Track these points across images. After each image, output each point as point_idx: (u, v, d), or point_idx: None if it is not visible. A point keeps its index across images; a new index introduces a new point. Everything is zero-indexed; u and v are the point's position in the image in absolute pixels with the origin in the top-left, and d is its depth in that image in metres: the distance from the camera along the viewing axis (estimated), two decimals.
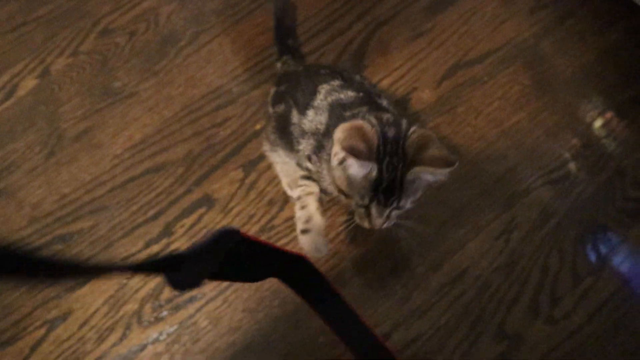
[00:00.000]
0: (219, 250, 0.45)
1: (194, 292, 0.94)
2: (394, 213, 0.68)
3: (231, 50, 1.10)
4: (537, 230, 0.99)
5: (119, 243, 0.97)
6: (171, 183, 1.00)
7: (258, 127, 1.03)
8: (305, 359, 0.89)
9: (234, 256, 0.47)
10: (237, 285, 0.94)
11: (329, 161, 0.65)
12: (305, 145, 0.74)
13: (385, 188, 0.63)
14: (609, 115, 1.06)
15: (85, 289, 0.95)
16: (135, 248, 0.97)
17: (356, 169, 0.61)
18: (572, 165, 1.03)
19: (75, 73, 1.10)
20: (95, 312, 0.94)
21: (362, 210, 0.68)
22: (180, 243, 0.97)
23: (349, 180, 0.64)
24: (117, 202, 1.00)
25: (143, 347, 0.91)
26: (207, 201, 0.99)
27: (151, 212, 0.99)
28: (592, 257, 0.98)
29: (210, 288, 0.94)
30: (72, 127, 1.06)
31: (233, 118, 1.04)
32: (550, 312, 0.94)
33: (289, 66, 0.96)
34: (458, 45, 1.09)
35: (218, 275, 0.47)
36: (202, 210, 0.98)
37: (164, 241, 0.97)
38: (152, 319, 0.93)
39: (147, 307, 0.94)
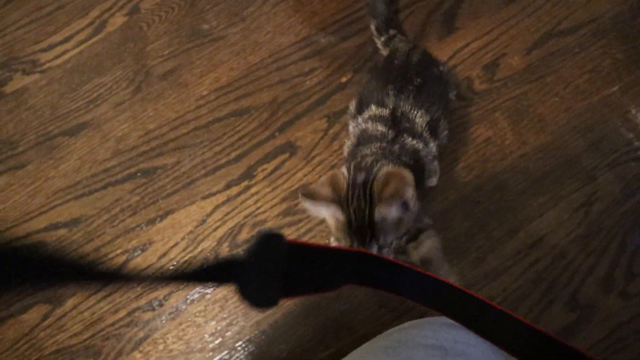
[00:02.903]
0: (273, 259, 0.42)
1: None
2: (385, 250, 0.68)
3: (320, 1, 1.09)
4: (619, 205, 0.97)
5: (201, 181, 0.99)
6: (255, 127, 1.01)
7: (344, 79, 1.03)
8: (380, 309, 0.91)
9: (295, 265, 0.43)
10: (316, 230, 0.95)
11: None
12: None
13: (356, 231, 0.65)
14: None
15: (166, 222, 0.98)
16: (216, 188, 0.99)
17: (322, 212, 0.66)
18: None
19: (164, 12, 1.11)
20: (174, 245, 0.96)
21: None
22: (260, 187, 0.98)
23: (335, 226, 0.68)
24: (200, 141, 1.01)
25: (218, 284, 0.93)
26: (290, 147, 1.00)
27: (234, 154, 1.00)
28: None
29: (288, 232, 0.96)
30: (159, 65, 1.07)
31: (319, 69, 1.04)
32: (624, 287, 0.94)
33: (396, 45, 0.94)
34: (551, 13, 1.07)
35: (291, 290, 0.43)
36: (284, 156, 0.99)
37: (245, 183, 0.98)
38: None
39: (225, 246, 0.96)
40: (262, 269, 0.41)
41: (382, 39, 0.96)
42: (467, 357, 0.51)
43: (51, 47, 1.10)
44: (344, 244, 0.68)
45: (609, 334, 0.91)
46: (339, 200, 0.64)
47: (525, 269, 0.94)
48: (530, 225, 0.96)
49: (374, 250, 0.66)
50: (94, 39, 1.11)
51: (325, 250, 0.50)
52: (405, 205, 0.66)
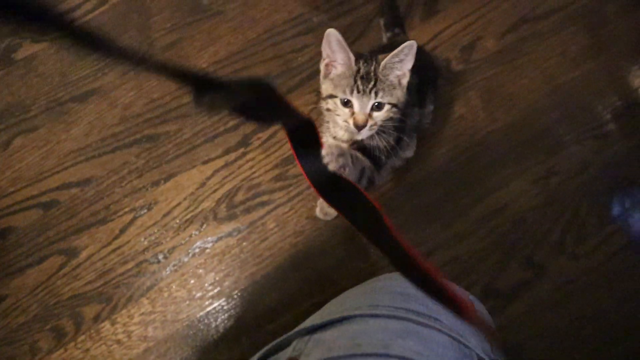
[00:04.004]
0: (252, 94, 0.43)
1: (265, 198, 1.06)
2: (375, 114, 0.74)
3: None
4: (573, 178, 1.10)
5: (201, 147, 1.09)
6: None
7: None
8: (360, 264, 1.03)
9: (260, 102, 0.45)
10: (304, 194, 1.06)
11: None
12: None
13: (363, 76, 0.72)
14: None
15: (169, 184, 1.08)
16: (215, 154, 1.09)
17: (337, 55, 0.73)
18: (612, 125, 1.13)
19: None
20: (177, 205, 1.07)
21: (346, 110, 0.74)
22: (255, 154, 1.08)
23: (335, 81, 0.74)
24: (200, 111, 1.10)
25: (217, 240, 1.05)
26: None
27: (231, 123, 1.09)
28: (618, 208, 1.10)
29: (279, 195, 1.06)
30: (162, 38, 1.14)
31: (311, 46, 1.12)
32: (574, 249, 1.07)
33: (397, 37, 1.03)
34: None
35: (236, 108, 0.44)
36: (277, 126, 1.09)
37: (241, 150, 1.08)
38: (226, 217, 1.06)
39: (223, 207, 1.07)
40: (232, 90, 0.41)
41: (388, 34, 1.05)
42: (423, 301, 0.62)
43: (59, 15, 1.16)
44: (339, 100, 0.74)
45: (558, 289, 1.05)
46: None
47: (488, 232, 1.07)
48: (495, 195, 1.08)
49: (370, 106, 0.73)
50: (100, 9, 1.17)
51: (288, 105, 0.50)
52: (403, 76, 0.75)
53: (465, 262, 1.06)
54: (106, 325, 1.00)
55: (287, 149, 1.08)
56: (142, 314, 1.01)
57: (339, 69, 0.75)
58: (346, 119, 0.74)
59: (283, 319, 1.00)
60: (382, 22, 1.08)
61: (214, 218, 1.06)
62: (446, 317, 0.61)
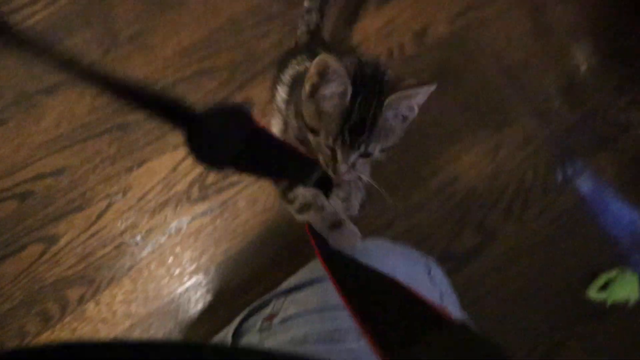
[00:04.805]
0: (234, 130, 0.43)
1: (235, 179, 1.13)
2: (360, 161, 0.66)
3: None
4: (519, 150, 1.20)
5: (171, 134, 1.14)
6: (216, 86, 1.15)
7: (294, 42, 1.17)
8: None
9: (251, 145, 0.44)
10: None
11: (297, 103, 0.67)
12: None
13: (354, 126, 0.60)
14: (594, 60, 1.25)
15: (142, 170, 1.13)
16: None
17: (330, 87, 0.60)
18: (556, 101, 1.23)
19: None
20: (150, 189, 1.12)
21: (328, 153, 0.65)
22: None
23: (320, 112, 0.62)
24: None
25: (191, 220, 1.11)
26: (248, 103, 1.15)
27: (200, 109, 1.14)
28: (560, 176, 1.21)
29: (248, 175, 1.13)
30: (125, 29, 1.17)
31: (272, 32, 1.17)
32: (520, 215, 1.18)
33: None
34: None
35: (238, 163, 0.45)
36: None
37: None
38: (199, 198, 1.12)
39: (195, 189, 1.12)
40: (219, 132, 0.42)
41: (306, 26, 1.01)
42: (379, 260, 0.71)
43: (21, 7, 1.17)
44: (321, 139, 0.64)
45: (505, 252, 1.17)
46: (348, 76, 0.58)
47: (443, 202, 1.17)
48: (449, 167, 1.18)
49: (354, 157, 0.64)
50: (62, 1, 1.18)
51: (282, 144, 0.52)
52: (410, 111, 0.63)
53: (424, 230, 1.16)
54: (90, 305, 1.06)
55: None
56: (125, 292, 1.07)
57: (329, 99, 0.61)
58: (327, 161, 0.65)
59: (257, 290, 1.08)
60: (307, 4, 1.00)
61: (187, 200, 1.12)
62: (399, 270, 0.70)
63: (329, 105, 0.61)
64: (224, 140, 0.42)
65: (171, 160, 1.13)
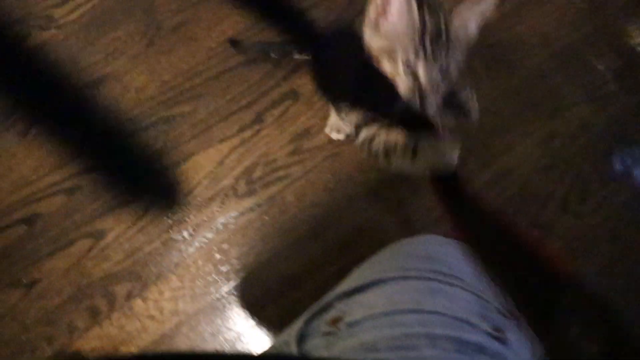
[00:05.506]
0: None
1: (282, 173, 1.10)
2: (444, 81, 0.61)
3: None
4: (576, 139, 1.14)
5: (217, 127, 1.12)
6: (261, 77, 1.13)
7: None
8: (376, 234, 1.08)
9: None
10: (320, 167, 1.10)
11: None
12: None
13: (432, 33, 0.58)
14: None
15: (188, 164, 1.11)
16: (230, 132, 1.11)
17: (397, 8, 0.57)
18: (612, 85, 1.17)
19: None
20: (197, 184, 1.10)
21: (410, 78, 0.60)
22: (270, 130, 1.11)
23: (390, 35, 0.59)
24: (213, 90, 1.13)
25: (239, 215, 1.09)
26: (294, 94, 1.12)
27: (244, 101, 1.12)
28: (619, 166, 1.15)
29: (296, 169, 1.10)
30: (168, 20, 1.15)
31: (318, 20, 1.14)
32: (578, 208, 1.13)
33: None
34: None
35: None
36: (289, 102, 1.12)
37: (256, 127, 1.12)
38: (246, 193, 1.10)
39: (242, 183, 1.10)
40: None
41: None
42: (446, 263, 0.68)
43: (64, 2, 1.16)
44: (400, 63, 0.60)
45: (563, 247, 1.12)
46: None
47: (496, 196, 1.12)
48: (502, 159, 1.13)
49: (435, 72, 0.60)
50: None
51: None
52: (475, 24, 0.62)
53: (475, 226, 1.11)
54: (138, 302, 1.05)
55: (300, 123, 1.11)
56: (172, 289, 1.06)
57: (394, 18, 0.58)
58: (408, 92, 0.61)
59: (306, 286, 1.05)
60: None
61: (234, 194, 1.10)
62: (467, 275, 0.67)
63: (400, 24, 0.58)
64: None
65: (217, 154, 1.11)
